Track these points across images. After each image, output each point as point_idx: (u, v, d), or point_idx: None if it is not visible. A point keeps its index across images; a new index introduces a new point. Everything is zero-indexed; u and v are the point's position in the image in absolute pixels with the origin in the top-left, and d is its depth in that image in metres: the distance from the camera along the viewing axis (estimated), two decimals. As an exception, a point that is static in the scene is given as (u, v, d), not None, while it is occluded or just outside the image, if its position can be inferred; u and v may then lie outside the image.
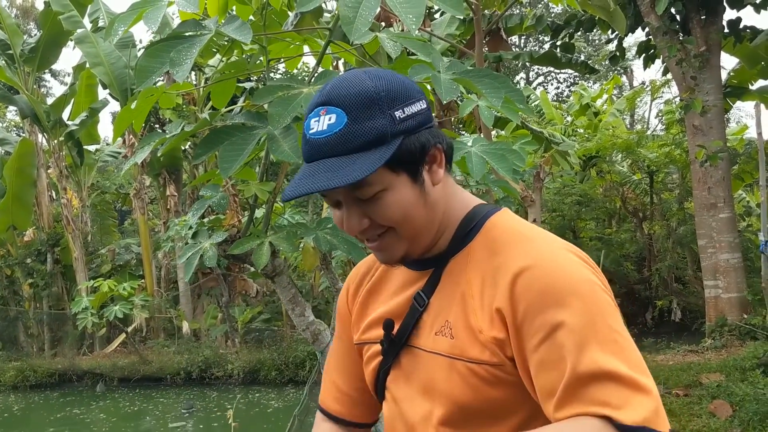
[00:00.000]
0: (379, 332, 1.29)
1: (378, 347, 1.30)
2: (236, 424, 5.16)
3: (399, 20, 6.43)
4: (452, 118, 10.23)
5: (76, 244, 15.68)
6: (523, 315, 1.08)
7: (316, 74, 2.30)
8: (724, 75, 10.70)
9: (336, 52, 2.62)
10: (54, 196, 17.05)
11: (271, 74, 2.78)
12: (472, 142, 2.77)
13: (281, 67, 9.95)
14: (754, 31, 10.05)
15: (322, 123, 1.11)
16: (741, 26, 9.97)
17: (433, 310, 1.22)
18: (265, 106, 2.37)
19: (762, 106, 9.89)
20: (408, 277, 1.29)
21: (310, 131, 1.13)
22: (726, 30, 9.90)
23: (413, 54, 2.78)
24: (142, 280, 16.01)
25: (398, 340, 1.25)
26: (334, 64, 5.05)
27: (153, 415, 12.60)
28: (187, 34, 2.13)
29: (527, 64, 24.37)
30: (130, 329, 15.10)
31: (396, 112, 1.12)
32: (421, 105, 1.16)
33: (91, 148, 17.27)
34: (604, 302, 1.09)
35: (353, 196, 1.14)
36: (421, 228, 1.18)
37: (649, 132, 17.11)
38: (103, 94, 15.87)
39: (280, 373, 13.89)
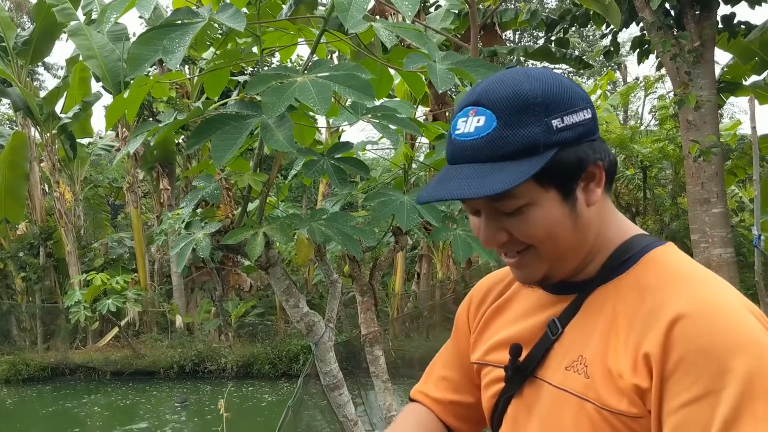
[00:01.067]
0: (503, 356, 1.17)
1: (500, 372, 1.18)
2: (228, 415, 5.12)
3: (394, 13, 6.42)
4: (446, 112, 10.23)
5: (68, 238, 15.63)
6: (673, 367, 0.95)
7: (310, 63, 2.29)
8: (717, 70, 10.71)
9: (330, 41, 2.60)
10: (47, 190, 17.00)
11: (265, 67, 2.76)
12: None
13: (276, 61, 9.91)
14: (749, 27, 10.05)
15: (470, 125, 1.02)
16: (735, 22, 9.98)
17: (566, 342, 1.09)
18: (258, 96, 2.36)
19: (756, 101, 9.89)
20: (542, 300, 1.16)
21: (456, 131, 1.04)
22: (720, 25, 9.91)
23: (409, 47, 2.77)
24: (135, 274, 15.99)
25: (525, 369, 1.14)
26: (329, 57, 5.03)
27: (146, 408, 12.59)
28: (179, 21, 2.11)
29: (522, 58, 24.37)
30: (122, 323, 15.07)
31: (553, 121, 1.00)
32: (584, 114, 1.03)
33: (84, 141, 17.23)
34: None
35: (494, 207, 1.04)
36: (566, 250, 1.07)
37: (642, 127, 17.14)
38: (96, 87, 15.81)
39: (273, 367, 13.90)
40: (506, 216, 1.04)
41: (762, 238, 7.81)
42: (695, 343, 0.94)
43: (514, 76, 1.04)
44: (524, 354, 1.14)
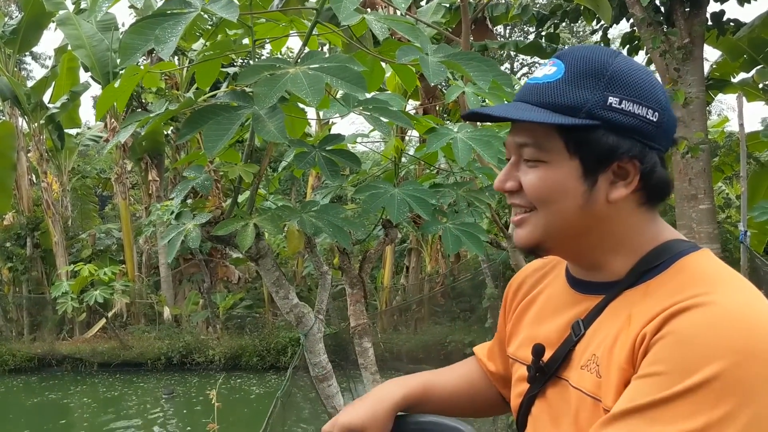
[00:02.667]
0: (529, 354, 1.17)
1: (525, 371, 1.18)
2: (219, 405, 5.14)
3: (385, 6, 6.41)
4: (437, 106, 10.23)
5: (56, 229, 15.55)
6: (653, 342, 0.93)
7: (302, 54, 2.29)
8: (706, 67, 10.77)
9: (322, 33, 2.60)
10: (34, 180, 16.88)
11: (257, 58, 2.76)
12: (458, 128, 2.77)
13: (266, 53, 9.89)
14: (737, 24, 10.12)
15: (542, 71, 1.06)
16: (724, 19, 10.04)
17: (585, 341, 1.07)
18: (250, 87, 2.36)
19: (744, 98, 9.96)
20: (569, 299, 1.15)
21: (530, 76, 1.09)
22: (709, 22, 9.96)
23: (401, 40, 2.77)
24: (123, 266, 15.93)
25: (548, 369, 1.13)
26: (321, 49, 5.01)
27: (133, 400, 12.56)
28: (172, 11, 2.11)
29: (512, 53, 24.38)
30: (110, 314, 15.02)
31: (611, 97, 1.00)
32: (648, 113, 1.01)
33: (72, 131, 17.11)
34: (750, 397, 0.85)
35: (519, 153, 1.07)
36: (566, 227, 1.06)
37: (631, 123, 17.23)
38: (84, 77, 15.71)
39: (261, 359, 13.90)
40: (526, 167, 1.07)
41: (748, 234, 7.88)
42: (682, 332, 0.90)
43: (604, 49, 1.06)
44: (548, 354, 1.13)
